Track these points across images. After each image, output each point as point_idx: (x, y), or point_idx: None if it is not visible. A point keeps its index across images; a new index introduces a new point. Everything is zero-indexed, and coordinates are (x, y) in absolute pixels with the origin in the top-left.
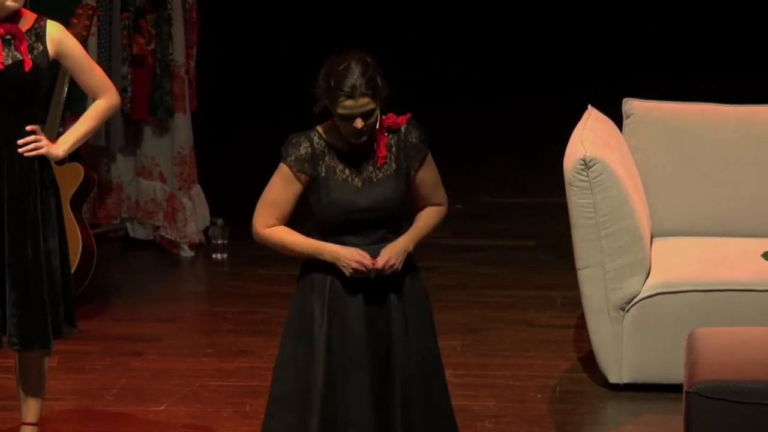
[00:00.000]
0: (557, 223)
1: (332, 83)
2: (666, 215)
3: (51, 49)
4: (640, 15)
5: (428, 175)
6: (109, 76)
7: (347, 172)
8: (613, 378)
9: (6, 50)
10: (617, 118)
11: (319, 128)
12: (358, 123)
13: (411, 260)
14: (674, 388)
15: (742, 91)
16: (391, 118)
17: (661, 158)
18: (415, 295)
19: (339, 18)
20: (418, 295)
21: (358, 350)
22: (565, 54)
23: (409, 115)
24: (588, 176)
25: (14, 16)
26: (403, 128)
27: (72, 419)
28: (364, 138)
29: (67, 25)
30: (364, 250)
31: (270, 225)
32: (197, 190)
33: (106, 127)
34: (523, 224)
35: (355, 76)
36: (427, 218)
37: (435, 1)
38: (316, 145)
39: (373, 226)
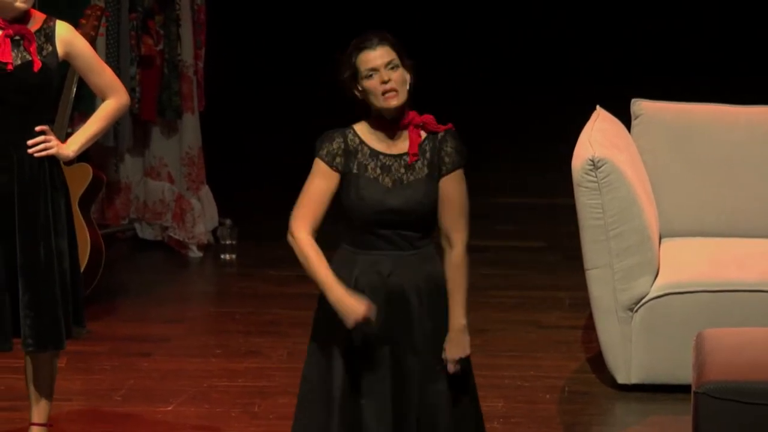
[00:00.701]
0: (564, 224)
1: (351, 46)
2: (674, 216)
3: (60, 49)
4: (643, 15)
5: (455, 193)
6: (118, 76)
7: (378, 171)
8: (621, 378)
9: (15, 51)
10: (624, 119)
11: (355, 126)
12: (383, 74)
13: (438, 265)
14: (683, 389)
15: (749, 91)
16: (429, 118)
17: (669, 159)
18: (438, 305)
19: (346, 19)
20: (444, 302)
21: (381, 359)
22: (569, 54)
23: (450, 125)
24: (596, 177)
25: (23, 17)
26: (440, 135)
27: (80, 420)
28: (395, 101)
29: (76, 25)
30: (389, 257)
31: (304, 229)
32: (206, 190)
33: (114, 127)
34: (530, 225)
35: (370, 35)
36: (458, 281)
37: (439, 1)
38: (349, 142)
39: (401, 227)
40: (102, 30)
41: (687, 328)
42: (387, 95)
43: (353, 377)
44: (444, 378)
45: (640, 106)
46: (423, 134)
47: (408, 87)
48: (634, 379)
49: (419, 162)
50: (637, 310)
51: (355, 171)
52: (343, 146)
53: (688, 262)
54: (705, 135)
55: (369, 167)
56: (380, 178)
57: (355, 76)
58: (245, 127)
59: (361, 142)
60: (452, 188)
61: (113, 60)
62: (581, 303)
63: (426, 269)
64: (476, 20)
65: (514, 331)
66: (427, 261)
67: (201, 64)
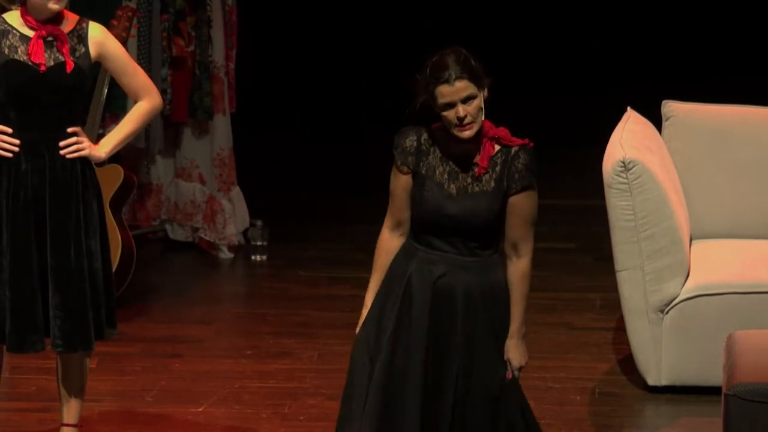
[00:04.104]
0: (596, 226)
1: (428, 74)
2: (705, 217)
3: (93, 50)
4: (674, 16)
5: (523, 209)
6: (149, 78)
7: (446, 176)
8: (652, 380)
9: (48, 52)
10: (655, 120)
11: (433, 126)
12: (460, 110)
13: (498, 275)
14: (713, 391)
15: None
16: (504, 132)
17: (700, 160)
18: (490, 318)
19: (377, 19)
20: (496, 318)
21: (415, 355)
22: (601, 56)
23: (527, 140)
24: (627, 178)
25: (56, 18)
26: (514, 150)
27: (112, 420)
28: (469, 132)
29: (107, 27)
30: (446, 259)
31: (387, 227)
32: (236, 191)
33: (145, 129)
34: (563, 226)
35: (448, 63)
36: (521, 290)
37: (473, 4)
38: (423, 141)
39: (458, 235)
40: (133, 31)
41: (718, 330)
42: (462, 129)
43: (393, 366)
44: (488, 392)
45: (671, 107)
46: (496, 147)
47: (483, 107)
48: (664, 381)
49: (488, 174)
50: (667, 312)
51: (423, 172)
52: (415, 144)
53: (718, 264)
54: (736, 136)
55: (437, 171)
56: (446, 183)
57: (431, 98)
58: (276, 128)
59: (435, 143)
60: (522, 205)
61: (144, 61)
62: (612, 304)
63: (483, 278)
64: (512, 23)
65: (545, 332)
66: (486, 270)
67: (232, 65)
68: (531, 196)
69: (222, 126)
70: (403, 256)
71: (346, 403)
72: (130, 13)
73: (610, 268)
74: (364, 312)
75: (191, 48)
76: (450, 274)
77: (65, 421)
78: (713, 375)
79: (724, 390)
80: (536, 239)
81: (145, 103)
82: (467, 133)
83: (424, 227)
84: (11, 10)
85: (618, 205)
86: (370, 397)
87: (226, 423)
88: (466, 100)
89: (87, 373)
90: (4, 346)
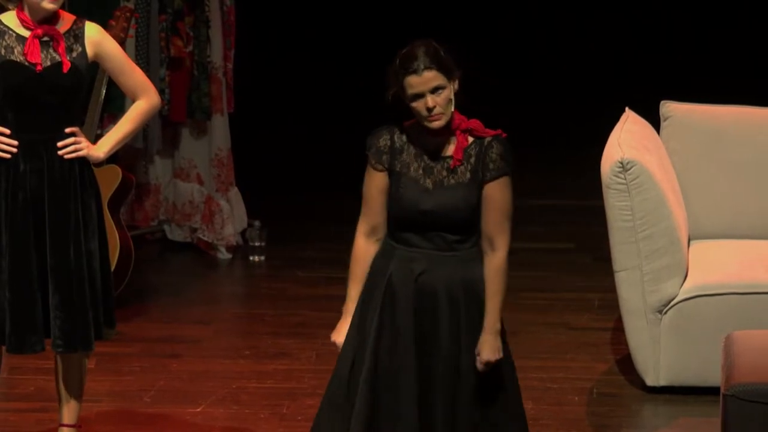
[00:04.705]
0: (594, 226)
1: (398, 64)
2: (703, 217)
3: (90, 50)
4: (672, 17)
5: (498, 199)
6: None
7: (421, 171)
8: (650, 381)
9: (44, 52)
10: (653, 121)
11: (405, 124)
12: (429, 101)
13: (478, 269)
14: (712, 391)
15: None
16: (476, 123)
17: (698, 161)
18: (474, 310)
19: (376, 20)
20: (479, 307)
21: (405, 354)
22: (599, 56)
23: (500, 131)
24: (625, 179)
25: (52, 18)
26: (487, 140)
27: (110, 421)
28: (438, 123)
29: (105, 27)
30: (426, 256)
31: (363, 232)
32: (235, 192)
33: (143, 129)
34: (561, 227)
35: (417, 54)
36: (497, 285)
37: (471, 5)
38: (396, 139)
39: (436, 229)
40: (131, 31)
41: (716, 330)
42: (431, 118)
43: (378, 369)
44: (473, 382)
45: (670, 108)
46: (470, 139)
47: (453, 99)
48: (662, 381)
49: (463, 166)
50: (666, 312)
51: (398, 169)
52: (389, 143)
53: (717, 264)
54: (734, 137)
55: (412, 167)
56: (421, 179)
57: (401, 89)
58: (274, 128)
59: (408, 141)
60: (496, 194)
61: (143, 61)
62: (610, 305)
63: (463, 272)
64: (510, 24)
65: (543, 332)
66: (466, 264)
67: (230, 66)
68: (505, 184)
69: (220, 126)
70: (381, 257)
71: (327, 399)
72: (128, 14)
73: (609, 268)
74: (345, 320)
75: (189, 48)
76: (430, 271)
77: (64, 421)
78: (712, 375)
79: (722, 390)
80: (535, 240)
81: (143, 103)
82: (436, 124)
83: (402, 225)
84: (9, 9)
85: (616, 205)
86: (358, 399)
87: (225, 423)
88: (434, 91)
89: (86, 374)
90: (3, 347)
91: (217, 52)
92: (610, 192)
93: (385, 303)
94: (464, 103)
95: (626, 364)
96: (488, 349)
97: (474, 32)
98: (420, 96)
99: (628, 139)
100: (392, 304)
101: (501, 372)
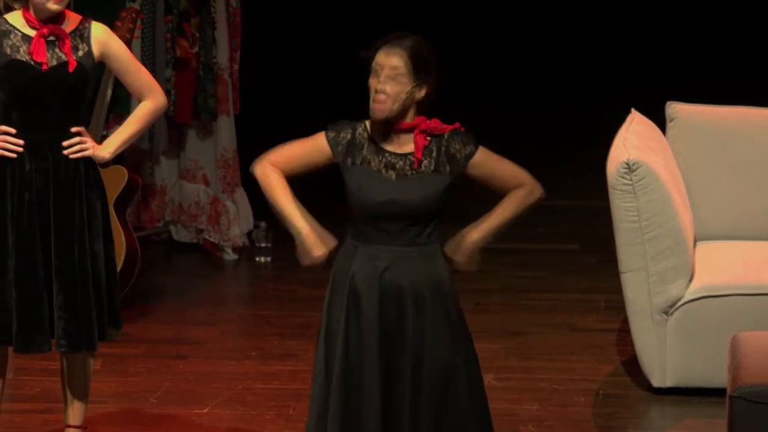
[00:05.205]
0: (600, 227)
1: (380, 39)
2: (709, 218)
3: (96, 50)
4: (677, 17)
5: (490, 165)
6: None
7: (382, 166)
8: (656, 382)
9: (50, 51)
10: (659, 122)
11: (367, 121)
12: (380, 82)
13: (441, 264)
14: (718, 392)
15: None
16: (435, 123)
17: (704, 161)
18: (438, 306)
19: (380, 20)
20: (444, 306)
21: (369, 350)
22: (605, 57)
23: (457, 124)
24: (631, 180)
25: (58, 18)
26: (446, 135)
27: (115, 422)
28: (379, 108)
29: (111, 28)
30: (388, 252)
31: (275, 168)
32: (240, 193)
33: (149, 129)
34: (566, 227)
35: (399, 39)
36: (504, 206)
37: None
38: (357, 135)
39: (401, 220)
40: (137, 32)
41: (722, 332)
42: (374, 101)
43: (348, 369)
44: (439, 380)
45: (675, 108)
46: (428, 138)
47: (406, 101)
48: (669, 383)
49: (426, 161)
50: (672, 314)
51: (358, 163)
52: (349, 138)
53: (723, 265)
54: (740, 138)
55: (373, 162)
56: (383, 171)
57: (371, 62)
58: (280, 129)
59: (369, 137)
60: (485, 164)
61: (148, 62)
62: (616, 306)
63: (428, 268)
64: (513, 24)
65: (549, 333)
66: (428, 259)
67: (236, 67)
68: (486, 153)
69: (226, 127)
70: (344, 257)
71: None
72: (134, 15)
73: (615, 269)
74: (309, 235)
75: (195, 49)
76: (394, 267)
77: (69, 422)
78: (718, 376)
79: (728, 391)
80: (540, 241)
81: (149, 103)
82: (377, 108)
83: (364, 219)
84: (15, 9)
85: (622, 206)
86: (332, 400)
87: (231, 424)
88: (391, 74)
89: (91, 375)
90: (9, 348)
91: (222, 53)
92: (615, 193)
93: (349, 303)
94: (464, 104)
95: (632, 366)
96: (460, 253)
97: (474, 32)
98: (377, 73)
99: (634, 140)
100: (357, 304)
101: (467, 365)
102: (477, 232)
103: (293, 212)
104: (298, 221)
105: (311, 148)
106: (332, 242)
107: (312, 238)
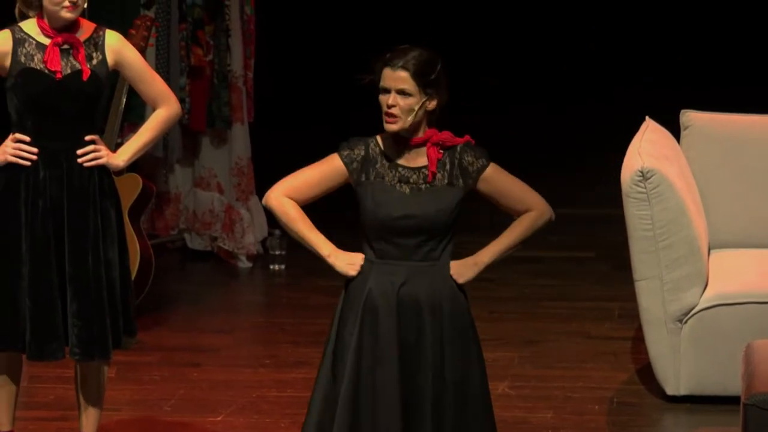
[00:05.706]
0: (615, 235)
1: (386, 54)
2: (723, 227)
3: (110, 58)
4: (692, 25)
5: (502, 183)
6: None
7: (396, 180)
8: (670, 390)
9: (65, 60)
10: (674, 130)
11: (378, 136)
12: (390, 98)
13: (461, 300)
14: (732, 400)
15: None
16: (446, 135)
17: (718, 170)
18: (455, 319)
19: (386, 25)
20: (460, 319)
21: (389, 362)
22: (619, 65)
23: (467, 137)
24: (646, 188)
25: (72, 26)
26: (458, 148)
27: (130, 430)
28: (392, 126)
29: (126, 36)
30: (404, 267)
31: (284, 194)
32: (255, 201)
33: (164, 137)
34: (581, 236)
35: (406, 53)
36: (513, 228)
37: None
38: (370, 151)
39: (412, 236)
40: (152, 40)
41: (736, 340)
42: (387, 118)
43: (359, 388)
44: (461, 396)
45: (690, 116)
46: (441, 151)
47: (419, 112)
48: (683, 391)
49: (440, 174)
50: (686, 322)
51: (372, 179)
52: (363, 154)
53: (737, 274)
54: (754, 146)
55: (387, 177)
56: (398, 185)
57: (378, 79)
58: (294, 137)
59: (382, 152)
60: (495, 180)
61: (163, 70)
62: (631, 314)
63: (444, 284)
64: (510, 24)
65: (563, 341)
66: (443, 273)
67: (250, 75)
68: (497, 169)
69: (240, 135)
70: (359, 275)
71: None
72: (148, 23)
73: (629, 277)
74: (325, 244)
75: (210, 57)
76: (410, 282)
77: (84, 430)
78: (732, 384)
79: (743, 399)
80: (554, 248)
81: (163, 111)
82: (389, 125)
83: (380, 235)
84: (30, 17)
85: (636, 214)
86: (339, 412)
87: None
88: (400, 93)
89: (105, 382)
90: (23, 356)
91: (237, 61)
92: (630, 201)
93: (364, 319)
94: (465, 104)
95: (646, 374)
96: (459, 268)
97: (474, 32)
98: (387, 91)
99: (649, 148)
100: (374, 320)
101: (482, 378)
102: (484, 254)
103: (316, 239)
104: (323, 248)
105: (326, 172)
106: (360, 259)
107: (340, 262)
